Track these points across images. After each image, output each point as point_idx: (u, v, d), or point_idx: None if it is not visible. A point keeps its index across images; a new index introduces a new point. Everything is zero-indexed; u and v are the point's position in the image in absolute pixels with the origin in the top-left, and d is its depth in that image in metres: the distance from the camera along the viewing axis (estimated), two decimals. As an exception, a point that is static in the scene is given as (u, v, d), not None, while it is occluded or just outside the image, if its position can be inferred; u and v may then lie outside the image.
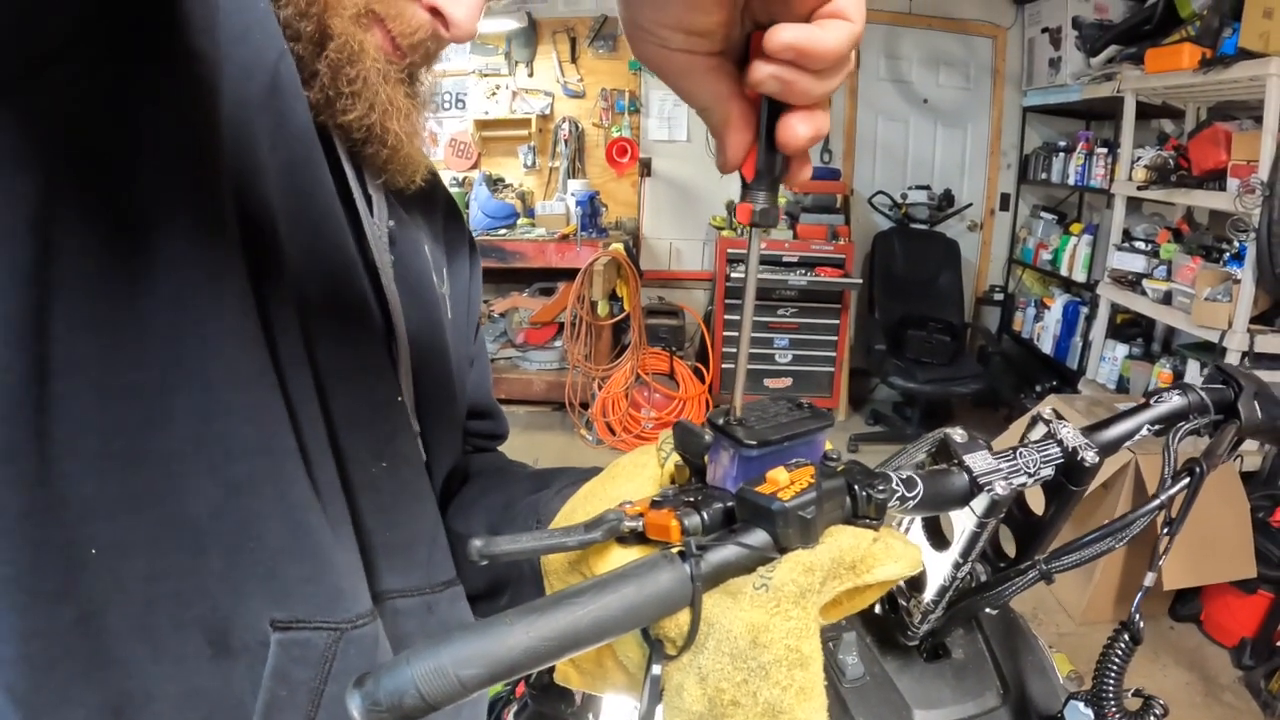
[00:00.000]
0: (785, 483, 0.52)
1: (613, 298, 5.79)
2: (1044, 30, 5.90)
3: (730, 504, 0.55)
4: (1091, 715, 0.79)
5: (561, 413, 6.05)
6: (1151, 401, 0.82)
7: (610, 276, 5.63)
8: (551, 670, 1.50)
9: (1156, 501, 0.74)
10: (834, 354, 6.01)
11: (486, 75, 6.48)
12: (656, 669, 0.53)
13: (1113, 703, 0.78)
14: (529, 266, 5.91)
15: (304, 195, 0.72)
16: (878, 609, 0.92)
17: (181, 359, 0.62)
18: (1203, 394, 0.83)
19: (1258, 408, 0.84)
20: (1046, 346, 5.94)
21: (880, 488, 0.57)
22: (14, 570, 0.59)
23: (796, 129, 0.49)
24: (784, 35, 0.45)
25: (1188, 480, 0.75)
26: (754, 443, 0.56)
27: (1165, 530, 0.76)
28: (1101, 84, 5.05)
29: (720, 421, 0.59)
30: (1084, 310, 5.58)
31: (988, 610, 0.92)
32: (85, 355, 0.59)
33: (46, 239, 0.56)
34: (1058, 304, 5.86)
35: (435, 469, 0.92)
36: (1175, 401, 0.82)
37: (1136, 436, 0.81)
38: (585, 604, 0.46)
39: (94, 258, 0.59)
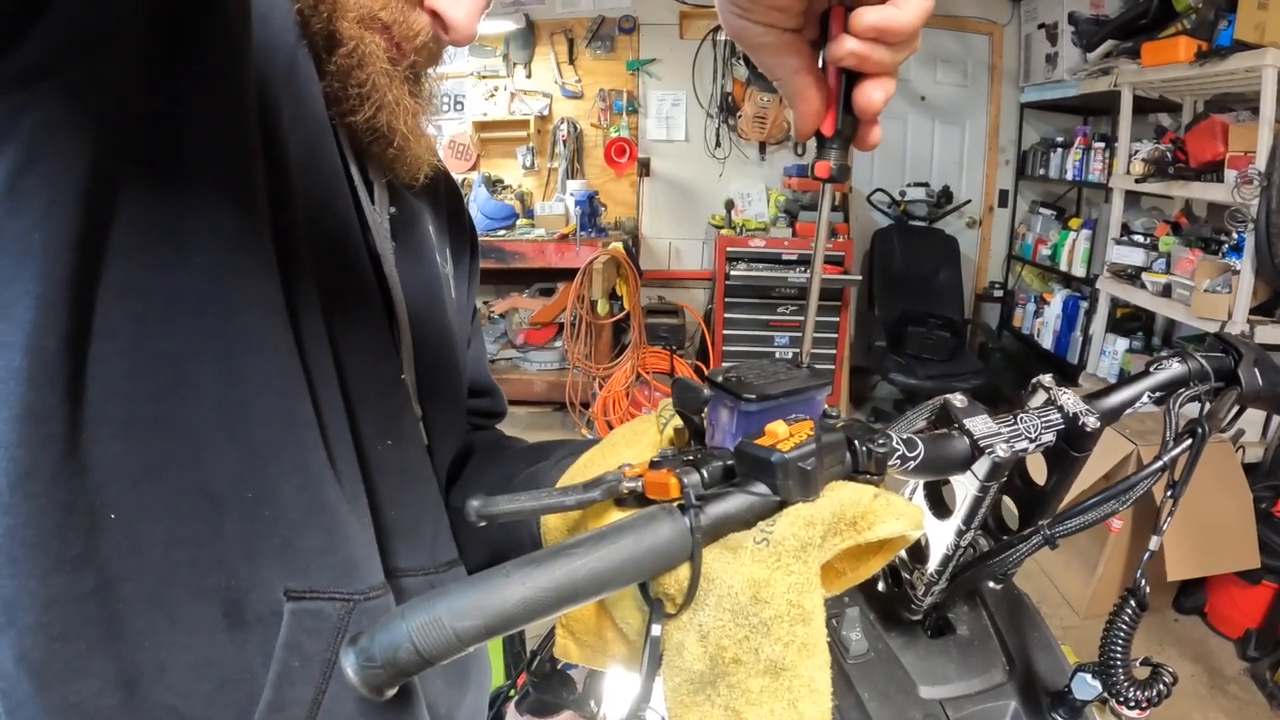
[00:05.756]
0: (784, 435, 0.52)
1: (613, 297, 5.79)
2: (1040, 26, 5.90)
3: (730, 462, 0.55)
4: (1099, 686, 0.79)
5: (563, 413, 6.05)
6: (1151, 369, 0.82)
7: (610, 275, 5.63)
8: (553, 657, 1.49)
9: (1160, 463, 0.73)
10: (834, 351, 6.00)
11: (485, 77, 6.49)
12: (656, 629, 0.53)
13: (1121, 671, 0.77)
14: (528, 267, 5.91)
15: (318, 173, 0.73)
16: (881, 585, 0.92)
17: (209, 326, 0.63)
18: (1203, 361, 0.83)
19: (1258, 374, 0.83)
20: (1047, 342, 5.95)
21: (880, 443, 0.56)
22: (38, 534, 0.59)
23: (872, 95, 0.58)
24: (868, 17, 0.53)
25: (1189, 442, 0.75)
26: (753, 397, 0.56)
27: (1169, 494, 0.75)
28: (1098, 79, 5.06)
29: (719, 379, 0.59)
30: (1084, 305, 5.58)
31: (991, 585, 0.92)
32: (120, 321, 0.60)
33: (95, 207, 0.57)
34: (1057, 299, 5.87)
35: (438, 449, 0.93)
36: (1175, 369, 0.82)
37: (1138, 404, 0.80)
38: (583, 555, 0.46)
39: (139, 226, 0.60)
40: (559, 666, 1.43)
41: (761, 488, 0.51)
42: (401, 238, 0.86)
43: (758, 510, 0.51)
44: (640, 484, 0.56)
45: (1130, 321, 5.15)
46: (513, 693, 1.50)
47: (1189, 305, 4.02)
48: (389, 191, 0.87)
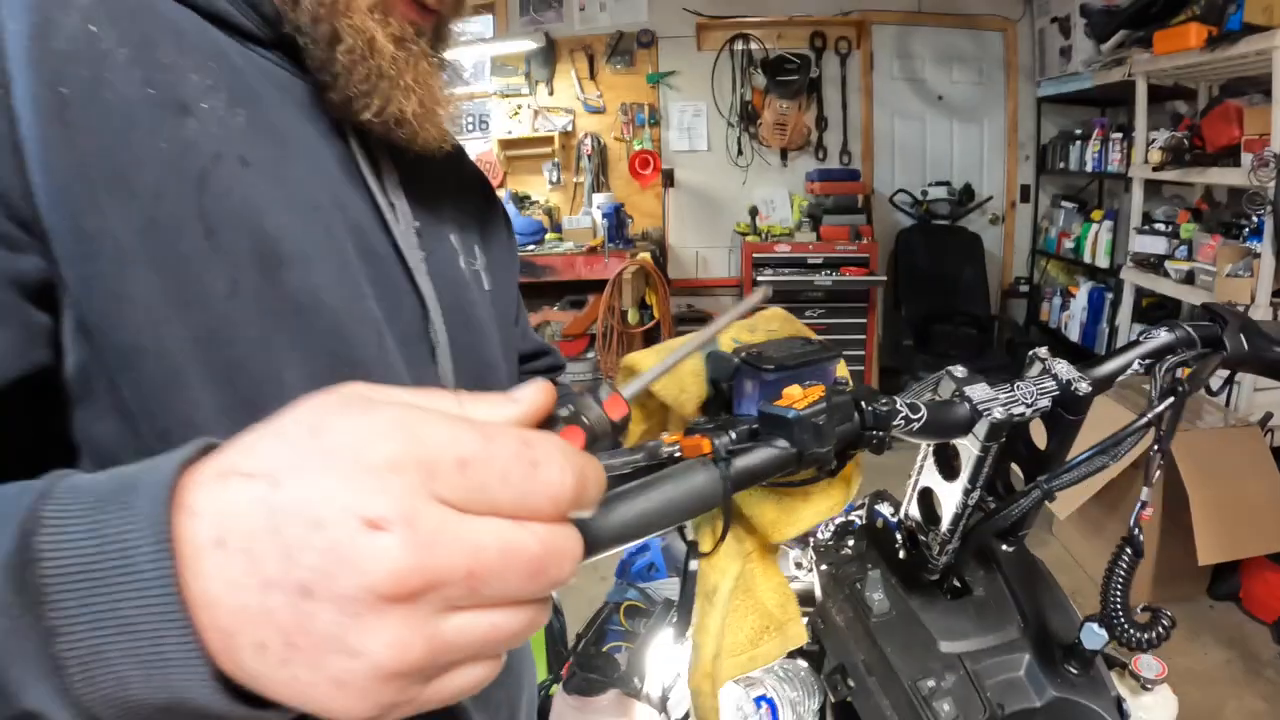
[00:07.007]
0: (799, 396, 0.60)
1: (642, 306, 5.86)
2: (1053, 20, 5.93)
3: (754, 425, 0.63)
4: (1106, 634, 0.85)
5: (596, 423, 6.10)
6: (1141, 338, 0.89)
7: (639, 285, 5.71)
8: (598, 642, 1.56)
9: (1145, 419, 0.81)
10: (863, 352, 6.03)
11: (508, 96, 6.62)
12: (694, 564, 0.61)
13: (1122, 616, 0.84)
14: (559, 280, 6.00)
15: (358, 227, 0.78)
16: (901, 553, 0.99)
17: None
18: (1190, 330, 0.90)
19: (1243, 340, 0.90)
20: (1074, 334, 5.93)
21: (884, 403, 0.65)
22: None
23: None
24: None
25: (1172, 400, 0.82)
26: (772, 367, 0.65)
27: (1155, 448, 0.83)
28: (1112, 69, 5.06)
29: (743, 354, 0.67)
30: (1109, 296, 5.58)
31: (1005, 548, 0.99)
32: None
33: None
34: (1082, 291, 5.86)
35: None
36: (1164, 337, 0.89)
37: (1128, 371, 0.87)
38: (631, 499, 0.53)
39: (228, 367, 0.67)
40: (603, 649, 1.50)
41: (781, 442, 0.60)
42: (428, 247, 0.88)
43: (778, 461, 0.59)
44: (678, 448, 0.64)
45: (1155, 310, 5.11)
46: (553, 689, 1.58)
47: (1212, 291, 4.01)
48: (409, 199, 0.88)
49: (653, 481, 0.55)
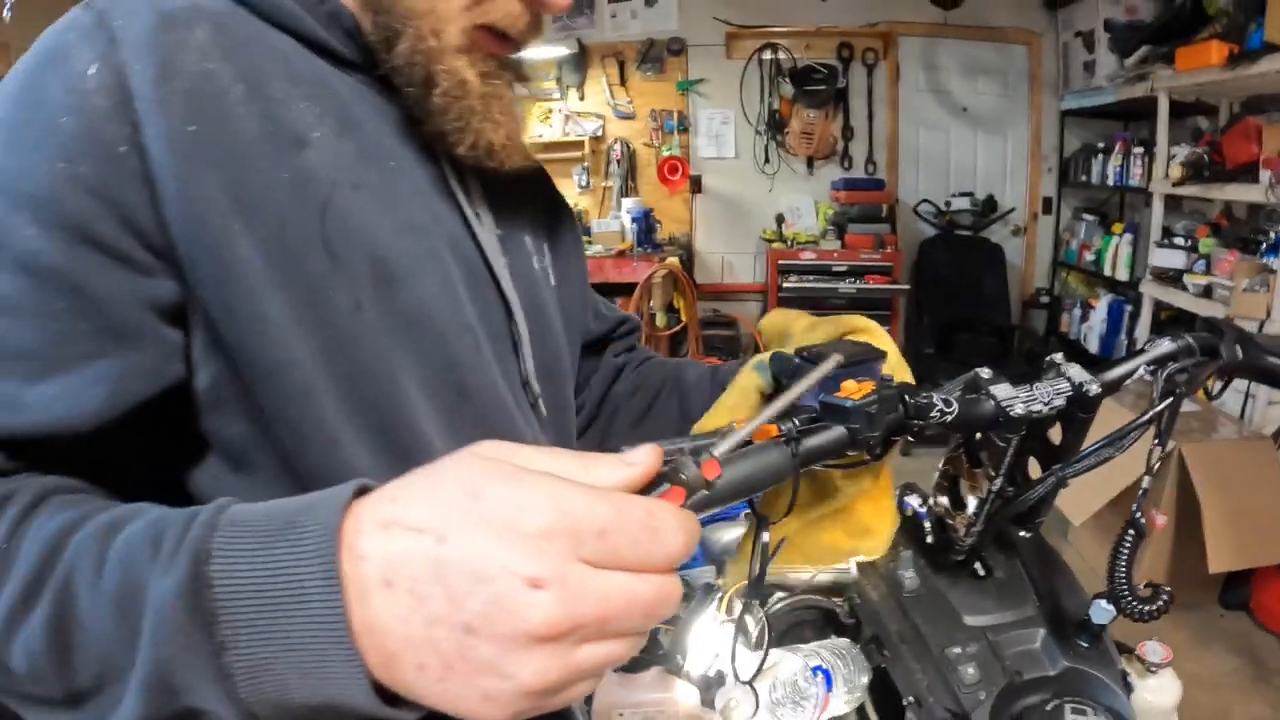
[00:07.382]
0: (854, 389, 0.72)
1: (669, 310, 5.95)
2: (1077, 34, 5.99)
3: (815, 415, 0.74)
4: (1114, 610, 0.95)
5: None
6: (1147, 346, 1.00)
7: (667, 289, 5.79)
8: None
9: (1146, 416, 0.92)
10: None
11: (539, 100, 6.71)
12: (765, 536, 0.73)
13: (1126, 590, 0.94)
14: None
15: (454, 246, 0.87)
16: (929, 538, 1.09)
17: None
18: (1190, 339, 1.00)
19: (1239, 350, 1.00)
20: (1093, 346, 5.96)
21: (923, 396, 0.76)
22: None
23: None
24: None
25: (1170, 400, 0.93)
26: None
27: (1156, 441, 0.93)
28: (1135, 84, 5.10)
29: (804, 353, 0.80)
30: (1128, 308, 5.61)
31: (1022, 534, 1.09)
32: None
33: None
34: (1102, 304, 5.89)
35: (554, 419, 1.03)
36: (1166, 346, 0.99)
37: (1134, 376, 0.98)
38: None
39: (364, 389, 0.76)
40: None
41: (840, 428, 0.71)
42: (508, 252, 0.96)
43: (837, 443, 0.71)
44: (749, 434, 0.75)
45: (1174, 324, 5.08)
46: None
47: (1229, 305, 4.04)
48: (490, 208, 0.95)
49: (735, 459, 0.66)
